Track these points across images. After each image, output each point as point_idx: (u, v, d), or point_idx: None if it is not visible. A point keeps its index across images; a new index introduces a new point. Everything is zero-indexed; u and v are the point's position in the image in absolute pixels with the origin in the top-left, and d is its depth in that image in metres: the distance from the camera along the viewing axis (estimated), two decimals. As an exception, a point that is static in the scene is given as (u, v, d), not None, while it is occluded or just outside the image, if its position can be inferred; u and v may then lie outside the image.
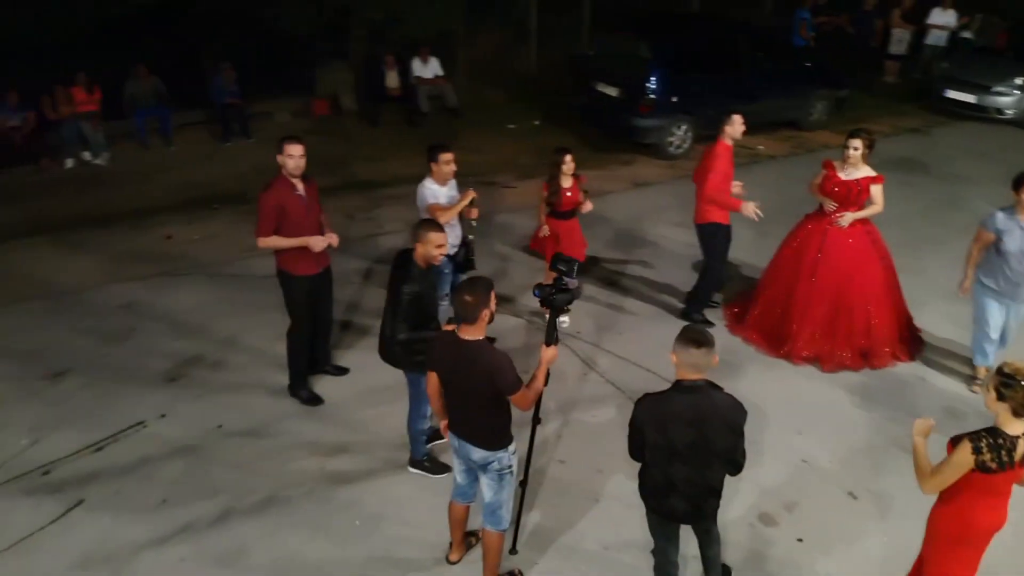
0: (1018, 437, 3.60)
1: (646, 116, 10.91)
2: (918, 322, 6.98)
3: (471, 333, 3.97)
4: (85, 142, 10.88)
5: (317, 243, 5.67)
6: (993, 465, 3.56)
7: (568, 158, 6.49)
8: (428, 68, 12.41)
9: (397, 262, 4.99)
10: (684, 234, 7.64)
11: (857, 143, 6.28)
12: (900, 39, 13.80)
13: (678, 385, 3.73)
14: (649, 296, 7.74)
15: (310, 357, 6.31)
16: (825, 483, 5.43)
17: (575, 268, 4.56)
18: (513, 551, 4.77)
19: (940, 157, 11.42)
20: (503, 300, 7.58)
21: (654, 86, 10.81)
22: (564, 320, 7.18)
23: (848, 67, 13.63)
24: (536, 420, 4.62)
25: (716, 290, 7.33)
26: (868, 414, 6.10)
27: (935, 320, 7.16)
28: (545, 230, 6.63)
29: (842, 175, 6.39)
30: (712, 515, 4.13)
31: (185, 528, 5.02)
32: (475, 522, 4.76)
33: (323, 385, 6.36)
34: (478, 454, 4.17)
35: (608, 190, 10.31)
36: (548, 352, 4.21)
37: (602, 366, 6.64)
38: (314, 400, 6.19)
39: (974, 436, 3.60)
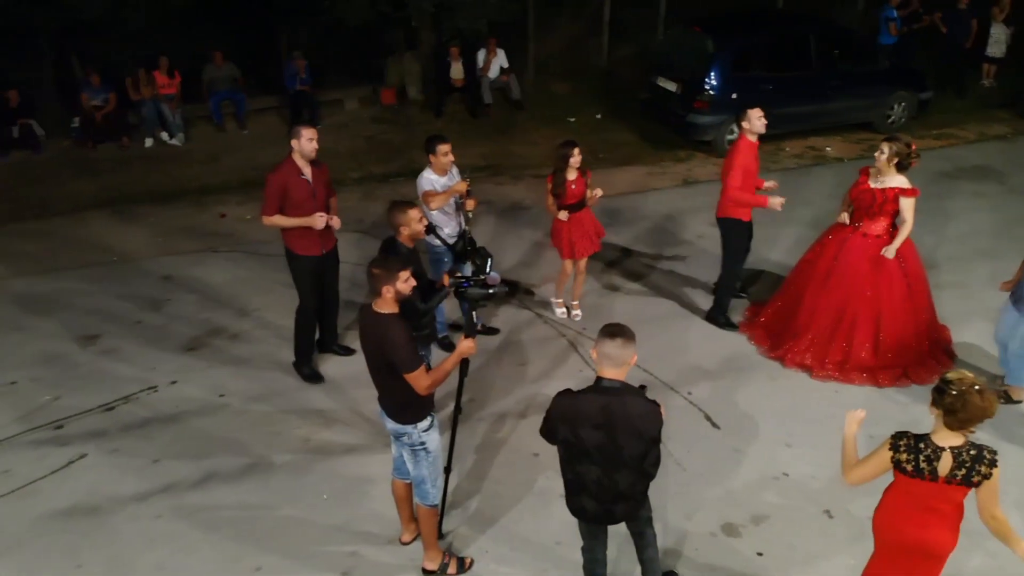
0: (943, 449, 3.43)
1: (702, 113, 10.65)
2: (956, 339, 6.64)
3: (380, 306, 4.09)
4: (164, 123, 11.57)
5: (317, 221, 5.86)
6: (908, 467, 3.48)
7: (576, 151, 6.46)
8: (495, 61, 12.50)
9: (384, 247, 5.17)
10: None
11: (883, 147, 5.97)
12: (997, 39, 12.87)
13: (596, 384, 3.70)
14: (672, 296, 7.60)
15: (317, 338, 6.57)
16: (802, 499, 5.23)
17: (489, 263, 4.59)
18: (439, 535, 4.85)
19: (1021, 168, 10.64)
20: (524, 292, 7.65)
21: (713, 82, 10.54)
22: (577, 314, 7.18)
23: (940, 69, 12.88)
24: (457, 410, 4.71)
25: (732, 286, 7.15)
26: (868, 434, 5.79)
27: (972, 338, 6.76)
28: (564, 214, 6.57)
29: (872, 182, 6.10)
30: (638, 518, 4.07)
31: (168, 487, 5.36)
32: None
33: (329, 364, 6.59)
34: (390, 424, 4.33)
35: (654, 186, 10.17)
36: (464, 344, 4.27)
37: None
38: (314, 378, 6.43)
39: (898, 434, 3.57)
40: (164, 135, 11.62)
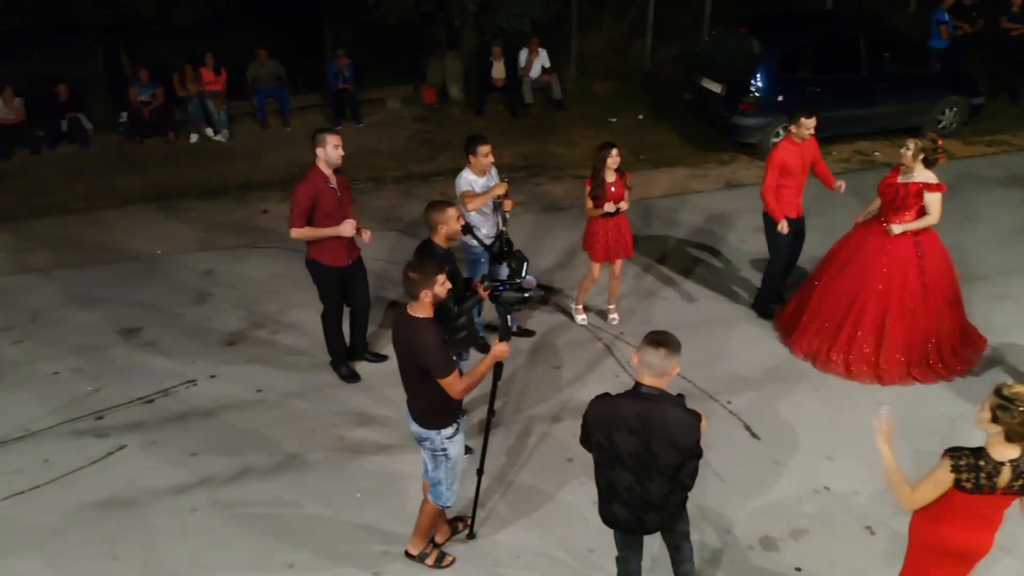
0: (1003, 464, 3.36)
1: (747, 115, 10.48)
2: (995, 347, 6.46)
3: (415, 309, 4.07)
4: (209, 119, 11.73)
5: (346, 228, 5.75)
6: (968, 485, 3.39)
7: (614, 152, 6.37)
8: (536, 60, 12.45)
9: (420, 248, 5.15)
10: (765, 241, 7.35)
11: (909, 143, 5.93)
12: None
13: (634, 389, 3.63)
14: (714, 302, 7.47)
15: (348, 344, 6.55)
16: (843, 514, 5.09)
17: (525, 267, 4.54)
18: (471, 535, 4.86)
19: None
20: (557, 293, 7.58)
21: (758, 84, 10.36)
22: (614, 318, 7.10)
23: (992, 73, 12.52)
24: (490, 413, 4.68)
25: (775, 282, 7.08)
26: (913, 447, 5.62)
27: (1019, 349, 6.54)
28: (611, 205, 6.45)
29: (900, 177, 6.05)
30: (674, 531, 3.99)
31: (204, 481, 5.40)
32: (463, 509, 4.87)
33: (365, 363, 6.59)
34: (413, 427, 4.31)
35: (696, 189, 10.03)
36: (498, 347, 4.22)
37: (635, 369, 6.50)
38: (352, 377, 6.43)
39: (955, 453, 3.45)
40: (209, 131, 11.79)
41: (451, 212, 5.06)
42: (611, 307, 7.12)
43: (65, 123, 11.31)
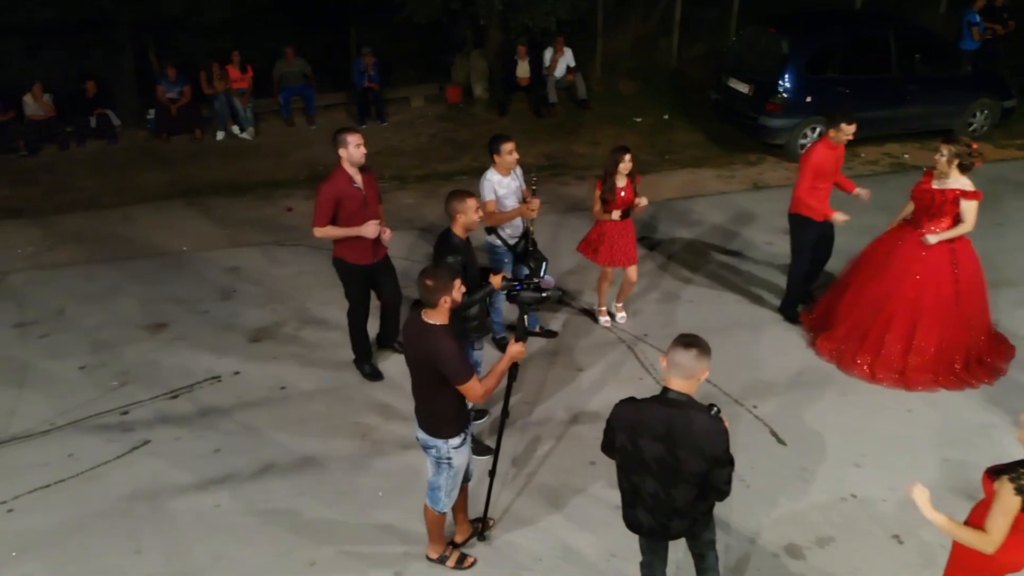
0: None
1: (775, 115, 10.36)
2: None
3: (431, 316, 4.04)
4: (235, 116, 11.80)
5: (370, 230, 5.74)
6: None
7: (627, 157, 6.32)
8: (562, 59, 12.40)
9: (439, 240, 5.18)
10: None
11: (942, 149, 5.80)
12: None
13: (661, 395, 3.58)
14: (740, 305, 7.38)
15: (378, 333, 6.59)
16: (871, 522, 5.01)
17: (544, 267, 4.52)
18: (481, 537, 4.86)
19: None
20: (577, 296, 7.53)
21: (786, 84, 10.24)
22: (622, 316, 7.04)
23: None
24: (504, 414, 4.68)
25: (799, 286, 7.01)
26: (941, 455, 5.54)
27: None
28: (617, 213, 6.43)
29: (934, 183, 5.92)
30: (699, 539, 3.92)
31: (227, 477, 5.43)
32: (482, 512, 4.86)
33: (389, 361, 6.59)
34: (420, 435, 4.29)
35: (722, 190, 9.94)
36: (514, 348, 4.22)
37: (662, 372, 6.43)
38: (375, 376, 6.43)
39: (1013, 475, 3.28)
40: (235, 128, 11.85)
41: (471, 202, 5.09)
42: (618, 306, 7.07)
43: (94, 119, 11.43)
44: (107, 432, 5.83)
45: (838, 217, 6.48)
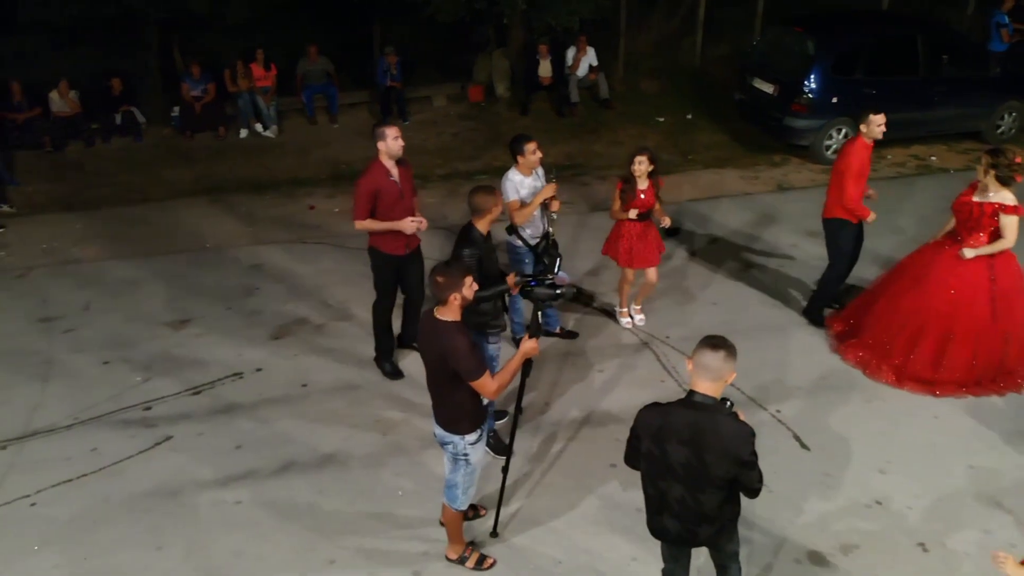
0: None
1: (800, 116, 10.26)
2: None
3: (443, 313, 4.07)
4: (258, 114, 11.85)
5: (407, 226, 5.85)
6: None
7: (639, 159, 6.27)
8: (584, 59, 12.35)
9: (461, 234, 5.20)
10: (818, 246, 7.18)
11: (983, 159, 5.70)
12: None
13: (687, 398, 3.53)
14: (763, 308, 7.31)
15: (398, 333, 6.59)
16: (895, 529, 4.93)
17: (558, 264, 4.55)
18: (493, 534, 4.87)
19: None
20: (599, 295, 7.50)
21: (812, 85, 10.14)
22: (641, 318, 6.99)
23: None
24: (517, 410, 4.73)
25: (835, 289, 6.94)
26: (968, 462, 5.45)
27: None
28: (634, 212, 6.39)
29: (975, 196, 5.80)
30: (722, 549, 3.86)
31: (248, 474, 5.44)
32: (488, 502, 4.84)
33: (409, 359, 6.56)
34: (438, 431, 4.32)
35: (746, 191, 9.86)
36: (527, 344, 4.26)
37: (684, 374, 6.39)
38: (396, 374, 6.44)
39: None
40: (258, 126, 11.91)
41: (498, 198, 5.13)
42: (637, 307, 7.02)
43: (119, 117, 11.52)
44: (130, 427, 5.87)
45: (872, 217, 6.44)
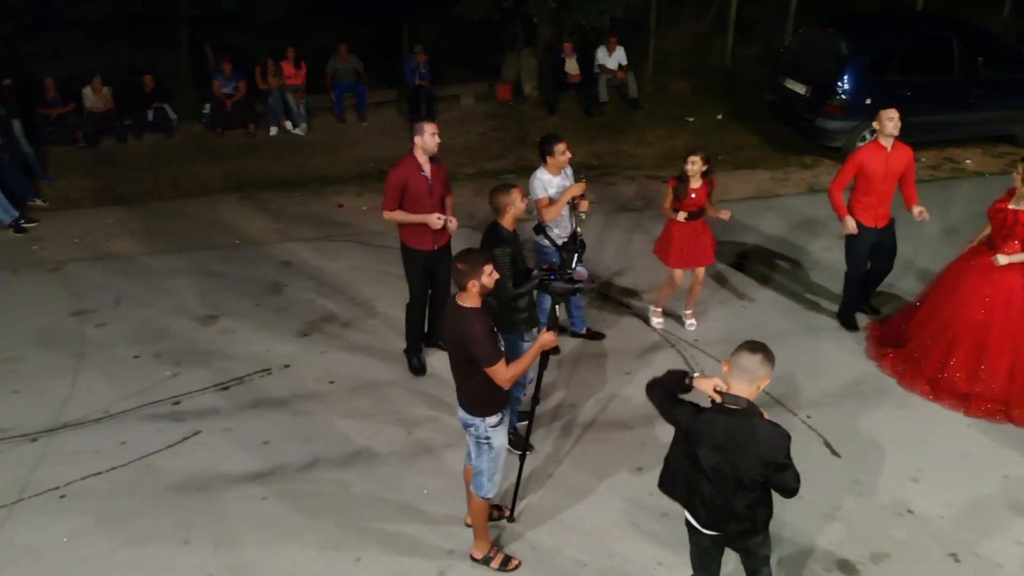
0: None
1: (832, 117, 10.14)
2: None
3: (463, 299, 4.15)
4: (288, 112, 11.94)
5: (434, 221, 5.88)
6: None
7: (693, 158, 6.22)
8: (613, 58, 12.30)
9: (487, 232, 5.23)
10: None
11: (1019, 166, 5.59)
12: None
13: (721, 403, 3.48)
14: (795, 312, 7.21)
15: (427, 331, 6.59)
16: (926, 539, 4.85)
17: (575, 258, 4.59)
18: (511, 519, 4.90)
19: None
20: (627, 296, 7.45)
21: (845, 86, 10.02)
22: (691, 323, 6.94)
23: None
24: (535, 401, 4.85)
25: (852, 292, 6.84)
26: (1001, 471, 5.34)
27: None
28: (682, 215, 6.34)
29: (1011, 203, 5.69)
30: (754, 554, 3.81)
31: (276, 470, 5.47)
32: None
33: (437, 356, 6.57)
34: (461, 413, 4.37)
35: (777, 193, 9.75)
36: (544, 336, 4.30)
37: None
38: (419, 370, 6.46)
39: None
40: (288, 124, 12.00)
41: (516, 194, 5.15)
42: (688, 312, 6.96)
43: (151, 113, 11.66)
44: (159, 421, 5.92)
45: (848, 223, 6.40)
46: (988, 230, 5.97)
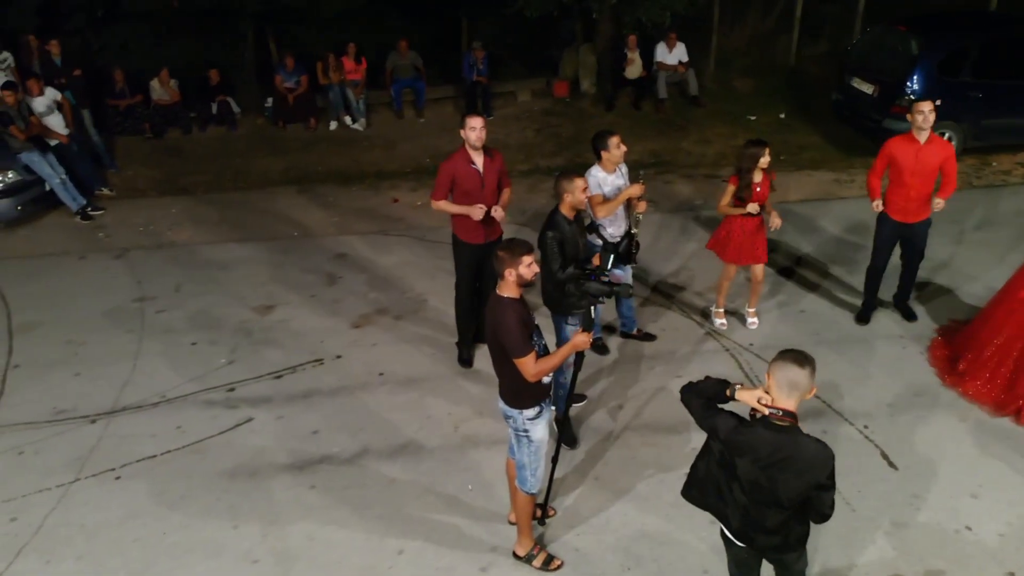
0: None
1: (901, 118, 9.79)
2: None
3: (501, 289, 4.16)
4: (348, 107, 12.08)
5: (475, 212, 5.86)
6: None
7: (767, 151, 6.13)
8: (673, 54, 12.13)
9: (547, 219, 5.34)
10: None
11: None
12: None
13: (767, 419, 3.36)
14: (849, 319, 6.96)
15: (476, 327, 6.60)
16: (984, 557, 4.66)
17: (611, 260, 4.66)
18: (541, 522, 4.87)
19: None
20: (681, 297, 7.34)
21: (915, 86, 9.68)
22: (753, 322, 6.81)
23: None
24: (569, 401, 4.90)
25: (868, 283, 6.83)
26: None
27: None
28: (754, 207, 6.22)
29: None
30: (789, 569, 3.70)
31: (324, 459, 5.54)
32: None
33: (483, 349, 6.54)
34: (500, 404, 4.37)
35: (840, 195, 9.49)
36: (579, 337, 4.27)
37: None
38: (466, 363, 6.51)
39: None
40: (348, 119, 12.15)
41: (578, 183, 5.22)
42: (751, 310, 6.85)
43: (215, 106, 11.92)
44: (213, 408, 6.06)
45: (874, 204, 6.45)
46: None
